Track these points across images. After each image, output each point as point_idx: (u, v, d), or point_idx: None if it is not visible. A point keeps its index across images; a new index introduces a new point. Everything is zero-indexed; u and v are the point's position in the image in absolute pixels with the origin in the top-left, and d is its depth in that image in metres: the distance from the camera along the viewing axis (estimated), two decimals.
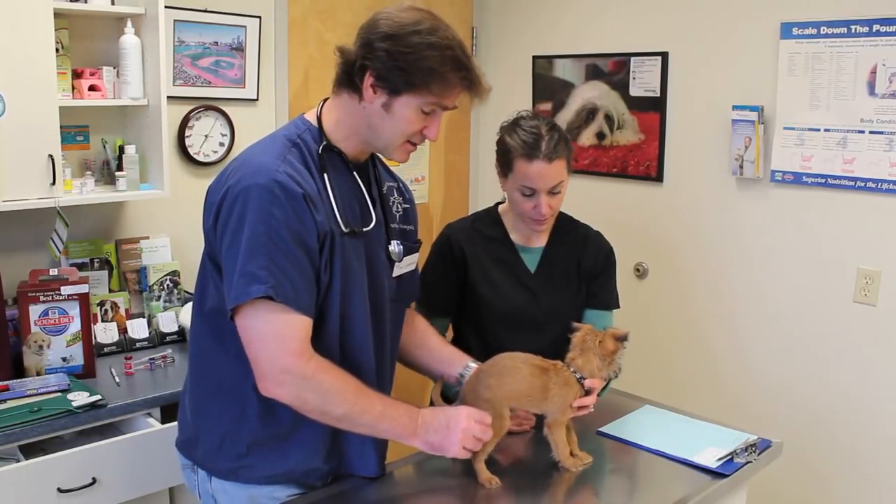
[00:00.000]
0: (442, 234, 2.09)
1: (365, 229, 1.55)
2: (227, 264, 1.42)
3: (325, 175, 1.49)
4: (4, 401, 2.02)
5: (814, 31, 2.61)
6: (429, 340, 1.81)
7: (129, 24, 2.43)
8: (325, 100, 1.57)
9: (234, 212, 1.41)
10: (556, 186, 1.91)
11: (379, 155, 1.66)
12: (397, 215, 1.69)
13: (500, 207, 2.09)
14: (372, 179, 1.63)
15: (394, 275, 1.65)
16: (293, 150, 1.47)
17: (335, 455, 1.58)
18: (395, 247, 1.63)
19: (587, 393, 1.65)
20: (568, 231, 2.08)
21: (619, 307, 2.09)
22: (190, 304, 2.55)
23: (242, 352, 1.44)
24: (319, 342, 1.47)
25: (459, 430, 1.50)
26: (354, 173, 1.57)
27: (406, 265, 1.68)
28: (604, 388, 1.78)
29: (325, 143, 1.51)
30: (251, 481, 1.53)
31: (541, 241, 2.06)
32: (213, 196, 1.48)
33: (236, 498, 1.55)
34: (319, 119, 1.54)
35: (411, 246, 1.69)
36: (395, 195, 1.71)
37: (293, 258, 1.40)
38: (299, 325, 1.42)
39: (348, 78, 1.49)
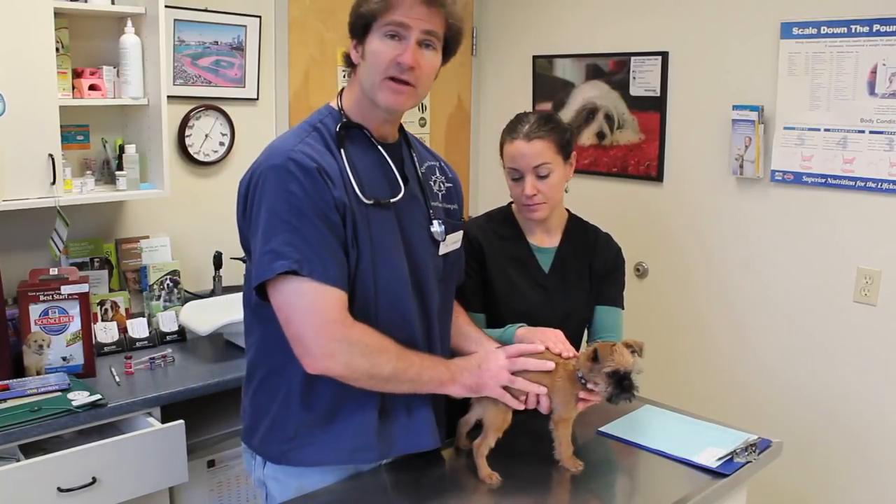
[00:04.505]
0: None
1: (392, 200, 1.56)
2: (254, 246, 1.46)
3: (342, 150, 1.52)
4: (4, 400, 2.02)
5: (814, 31, 2.61)
6: (462, 327, 1.81)
7: (129, 23, 2.43)
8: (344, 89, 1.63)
9: (255, 195, 1.46)
10: (540, 167, 1.90)
11: (415, 136, 1.71)
12: (440, 194, 1.70)
13: (514, 206, 2.09)
14: (406, 157, 1.65)
15: (440, 253, 1.65)
16: (313, 134, 1.52)
17: (385, 435, 1.56)
18: (437, 227, 1.63)
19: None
20: (579, 232, 2.08)
21: (623, 308, 2.09)
22: (190, 304, 2.59)
23: (282, 335, 1.45)
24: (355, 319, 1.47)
25: (492, 370, 1.55)
26: (381, 148, 1.59)
27: (451, 243, 1.69)
28: None
29: (343, 120, 1.55)
30: (301, 464, 1.55)
31: (553, 242, 2.06)
32: (242, 187, 1.52)
33: (286, 486, 1.57)
34: (341, 103, 1.59)
35: (455, 224, 1.70)
36: (437, 174, 1.73)
37: (316, 232, 1.42)
38: (334, 296, 1.42)
39: (350, 61, 1.58)
